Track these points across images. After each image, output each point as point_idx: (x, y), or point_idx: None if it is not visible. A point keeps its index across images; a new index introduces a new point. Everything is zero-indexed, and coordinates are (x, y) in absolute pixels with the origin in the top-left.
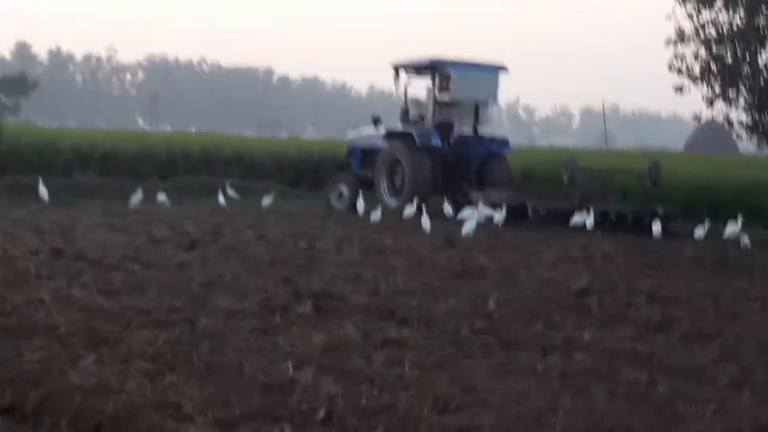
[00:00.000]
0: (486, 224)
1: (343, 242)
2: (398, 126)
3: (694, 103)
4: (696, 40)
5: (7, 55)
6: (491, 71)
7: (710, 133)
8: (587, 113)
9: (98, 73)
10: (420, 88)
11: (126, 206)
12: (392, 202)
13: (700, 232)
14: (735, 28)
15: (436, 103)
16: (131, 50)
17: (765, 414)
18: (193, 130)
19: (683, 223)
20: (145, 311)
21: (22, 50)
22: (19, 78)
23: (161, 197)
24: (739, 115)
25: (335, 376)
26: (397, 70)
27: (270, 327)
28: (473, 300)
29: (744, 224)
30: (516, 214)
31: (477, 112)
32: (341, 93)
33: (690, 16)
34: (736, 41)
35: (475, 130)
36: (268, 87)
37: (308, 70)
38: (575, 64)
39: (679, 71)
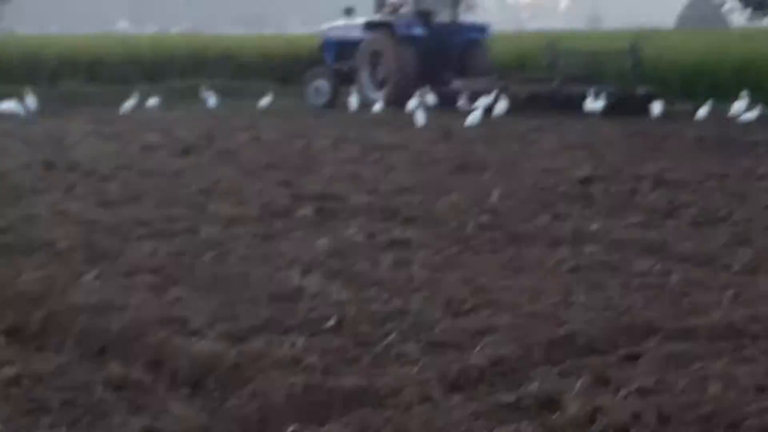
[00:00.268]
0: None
1: (339, 141)
2: (372, 16)
3: None
4: None
5: None
6: None
7: (700, 8)
8: None
9: None
10: None
11: (116, 113)
12: (376, 96)
13: (702, 111)
14: None
15: None
16: None
17: None
18: (176, 30)
19: (682, 104)
20: (144, 222)
21: None
22: None
23: (152, 102)
24: None
25: (343, 282)
26: None
27: (272, 233)
28: (476, 194)
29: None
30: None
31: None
32: None
33: None
34: None
35: (454, 17)
36: None
37: None
38: None
39: None
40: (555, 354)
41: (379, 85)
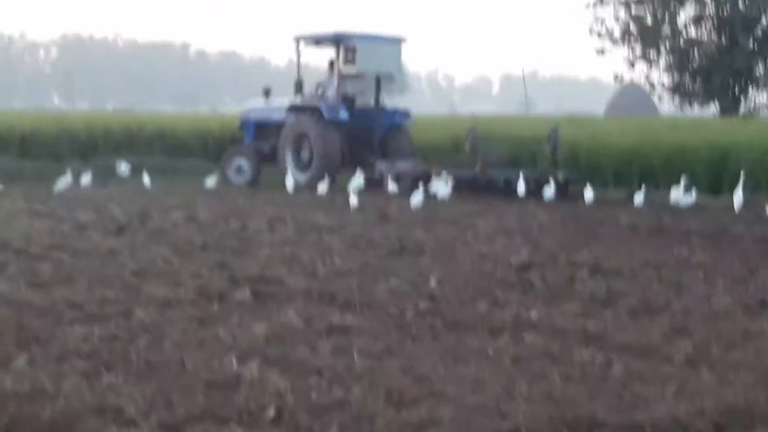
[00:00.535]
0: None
1: (274, 221)
2: (291, 98)
3: (615, 67)
4: (615, 1)
5: None
6: (394, 43)
7: (630, 96)
8: (507, 79)
9: (10, 52)
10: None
11: (49, 190)
12: (300, 177)
13: (638, 198)
14: None
15: (341, 76)
16: (43, 29)
17: (727, 392)
18: (110, 107)
19: (614, 190)
20: (77, 304)
21: None
22: None
23: (85, 180)
24: (660, 76)
25: (281, 369)
26: (298, 42)
27: (208, 317)
28: (414, 279)
29: (684, 188)
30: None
31: (378, 83)
32: (260, 65)
33: None
34: (655, 2)
35: (376, 101)
36: (185, 61)
37: (225, 46)
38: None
39: (599, 34)
40: None
41: (303, 166)
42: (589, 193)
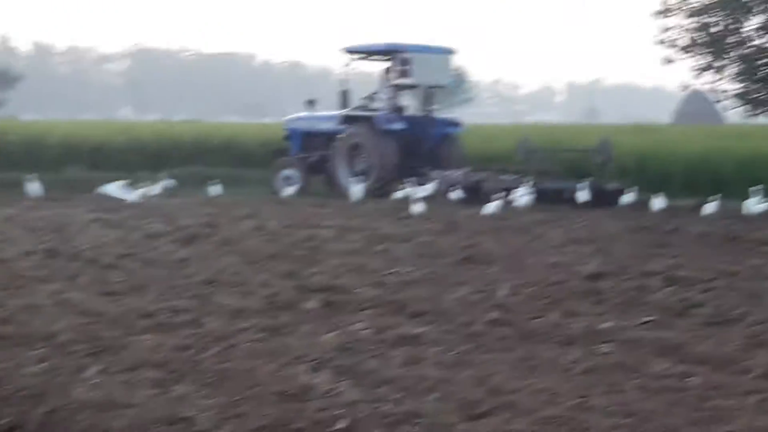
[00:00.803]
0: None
1: (343, 231)
2: (338, 109)
3: (679, 75)
4: (682, 11)
5: None
6: (445, 53)
7: (696, 104)
8: (572, 88)
9: (82, 64)
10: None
11: (119, 200)
12: (356, 187)
13: (709, 207)
14: None
15: (395, 87)
16: (113, 41)
17: None
18: (177, 118)
19: (682, 199)
20: (148, 313)
21: (3, 43)
22: (2, 72)
23: (156, 190)
24: (727, 84)
25: (353, 380)
26: (348, 53)
27: (278, 326)
28: (483, 288)
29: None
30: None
31: (430, 94)
32: (323, 75)
33: None
34: (722, 11)
35: (428, 111)
36: (251, 72)
37: (290, 56)
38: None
39: (665, 43)
40: None
41: (357, 175)
42: (660, 202)
